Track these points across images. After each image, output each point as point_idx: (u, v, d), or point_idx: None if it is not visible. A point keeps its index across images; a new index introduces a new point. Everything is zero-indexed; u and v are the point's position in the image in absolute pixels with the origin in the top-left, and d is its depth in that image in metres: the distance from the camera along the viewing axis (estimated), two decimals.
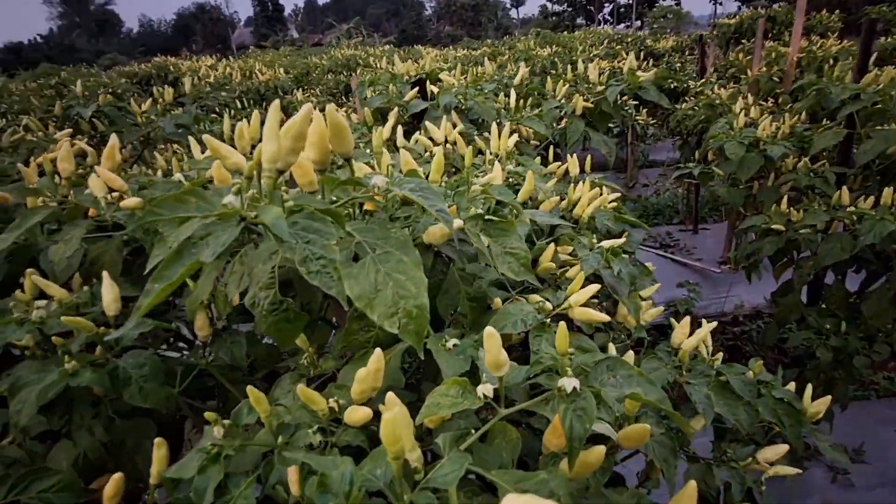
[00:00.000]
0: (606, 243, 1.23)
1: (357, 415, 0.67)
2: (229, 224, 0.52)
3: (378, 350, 0.69)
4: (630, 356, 1.03)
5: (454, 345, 0.80)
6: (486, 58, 4.84)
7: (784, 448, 1.14)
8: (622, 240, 1.25)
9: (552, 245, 1.16)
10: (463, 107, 1.79)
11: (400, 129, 1.55)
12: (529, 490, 0.52)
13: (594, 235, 1.33)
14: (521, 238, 0.90)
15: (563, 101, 2.16)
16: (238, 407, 0.72)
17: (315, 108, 0.61)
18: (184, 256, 0.50)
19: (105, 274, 0.88)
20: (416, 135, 1.51)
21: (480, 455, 0.64)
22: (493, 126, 1.42)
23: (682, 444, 1.10)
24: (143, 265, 0.56)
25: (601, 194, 1.69)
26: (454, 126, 1.72)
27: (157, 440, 0.68)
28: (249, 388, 0.65)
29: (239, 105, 4.68)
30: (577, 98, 2.13)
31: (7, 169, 1.55)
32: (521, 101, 2.10)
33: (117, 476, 0.64)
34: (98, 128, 2.10)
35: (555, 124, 2.25)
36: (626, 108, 2.30)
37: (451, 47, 11.16)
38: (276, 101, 0.56)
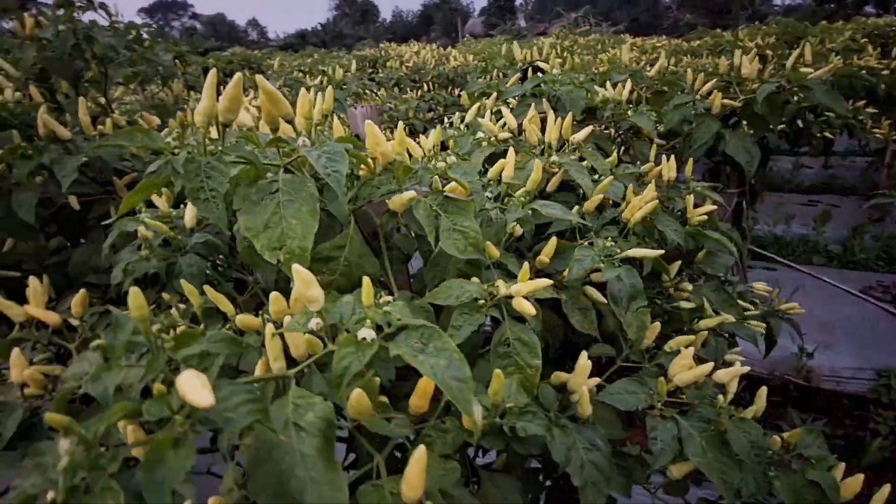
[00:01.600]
0: (637, 252, 1.13)
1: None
2: (163, 158, 0.71)
3: None
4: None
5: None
6: (662, 49, 4.36)
7: None
8: (654, 252, 1.12)
9: (554, 239, 1.12)
10: (553, 95, 1.74)
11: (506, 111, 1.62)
12: None
13: (623, 240, 1.22)
14: (474, 219, 0.92)
15: (698, 96, 1.90)
16: None
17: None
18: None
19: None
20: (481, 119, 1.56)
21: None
22: (549, 115, 1.38)
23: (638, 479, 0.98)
24: None
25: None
26: (543, 113, 1.70)
27: None
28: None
29: (426, 87, 5.17)
30: (716, 94, 1.86)
31: None
32: (637, 94, 1.92)
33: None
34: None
35: (686, 124, 2.01)
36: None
37: (675, 38, 10.16)
38: (214, 70, 0.73)
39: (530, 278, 1.17)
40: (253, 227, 0.72)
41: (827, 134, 3.79)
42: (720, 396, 1.03)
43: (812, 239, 6.41)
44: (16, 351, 0.78)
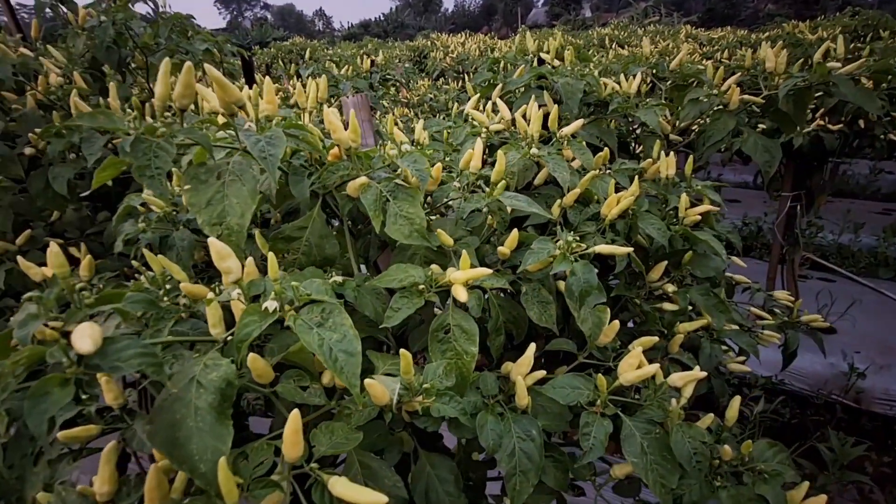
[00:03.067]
0: (605, 248, 1.12)
1: None
2: (126, 138, 0.79)
3: None
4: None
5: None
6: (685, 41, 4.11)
7: None
8: (623, 249, 1.10)
9: (516, 231, 1.12)
10: (547, 86, 1.72)
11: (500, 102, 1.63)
12: None
13: (600, 236, 1.20)
14: (420, 207, 0.95)
15: (715, 90, 1.81)
16: None
17: None
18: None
19: None
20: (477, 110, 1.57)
21: None
22: (528, 107, 1.38)
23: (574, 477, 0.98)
24: None
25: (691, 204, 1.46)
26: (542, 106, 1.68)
27: None
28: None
29: (468, 78, 5.17)
30: (733, 89, 1.76)
31: None
32: (645, 88, 1.86)
33: None
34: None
35: (701, 119, 1.92)
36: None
37: (742, 31, 9.55)
38: (167, 59, 0.80)
39: (497, 270, 1.19)
40: (196, 203, 0.79)
41: (893, 136, 3.48)
42: (673, 400, 1.00)
43: (881, 251, 5.90)
44: None
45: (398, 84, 4.96)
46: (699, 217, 1.41)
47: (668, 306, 1.35)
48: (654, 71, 2.09)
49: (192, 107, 1.47)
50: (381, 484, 0.80)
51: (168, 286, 0.89)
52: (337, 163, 1.04)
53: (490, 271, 0.92)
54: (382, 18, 49.18)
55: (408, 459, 1.01)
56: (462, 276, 0.91)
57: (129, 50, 2.18)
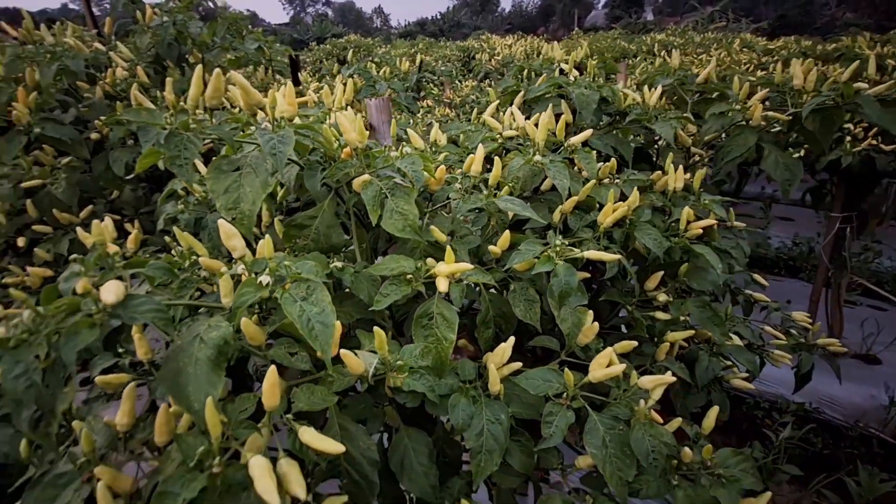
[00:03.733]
0: (594, 254, 1.18)
1: None
2: (160, 130, 0.94)
3: None
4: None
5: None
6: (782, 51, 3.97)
7: None
8: (612, 256, 1.16)
9: (507, 232, 1.20)
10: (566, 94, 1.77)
11: (515, 110, 1.71)
12: None
13: (594, 242, 1.27)
14: (414, 205, 1.05)
15: (738, 106, 1.81)
16: None
17: None
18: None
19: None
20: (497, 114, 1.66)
21: None
22: (538, 116, 1.44)
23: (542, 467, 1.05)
24: None
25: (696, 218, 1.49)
26: (559, 115, 1.75)
27: None
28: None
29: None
30: (756, 105, 1.76)
31: None
32: (662, 101, 1.87)
33: None
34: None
35: (723, 134, 1.92)
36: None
37: (806, 41, 9.09)
38: (199, 67, 0.93)
39: (490, 268, 1.28)
40: (216, 189, 0.93)
41: None
42: (641, 401, 1.06)
43: None
44: None
45: (442, 84, 5.08)
46: (700, 231, 1.44)
47: (660, 315, 1.39)
48: (682, 83, 2.09)
49: (229, 104, 1.63)
50: (355, 445, 0.91)
51: (192, 259, 1.03)
52: (347, 160, 1.16)
53: (471, 266, 1.01)
54: (439, 17, 49.62)
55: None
56: (445, 269, 1.00)
57: (188, 47, 2.40)
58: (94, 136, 1.92)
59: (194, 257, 1.04)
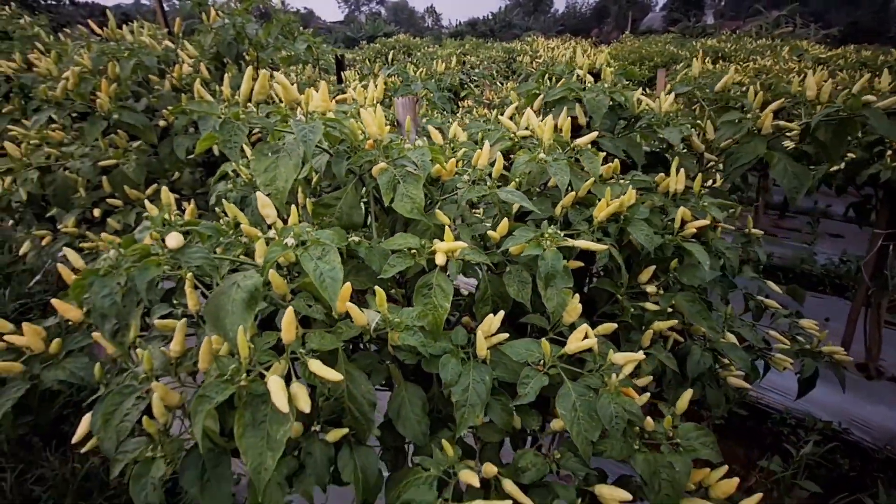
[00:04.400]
0: (583, 243, 1.32)
1: None
2: (216, 119, 1.15)
3: None
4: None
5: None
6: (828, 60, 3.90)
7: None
8: (600, 246, 1.30)
9: (505, 220, 1.35)
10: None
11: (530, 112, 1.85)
12: None
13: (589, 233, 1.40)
14: (421, 190, 1.22)
15: (748, 114, 1.87)
16: None
17: None
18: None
19: None
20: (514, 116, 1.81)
21: None
22: (549, 118, 1.58)
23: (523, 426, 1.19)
24: None
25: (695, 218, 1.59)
26: (574, 118, 1.88)
27: None
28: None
29: None
30: (766, 114, 1.82)
31: None
32: (682, 106, 1.96)
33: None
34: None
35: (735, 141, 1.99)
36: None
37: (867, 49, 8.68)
38: (250, 68, 1.14)
39: (489, 251, 1.43)
40: (257, 169, 1.13)
41: None
42: (613, 375, 1.19)
43: None
44: None
45: (483, 85, 5.23)
46: (695, 230, 1.54)
47: (650, 306, 1.50)
48: (701, 92, 2.16)
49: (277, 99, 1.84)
50: (357, 387, 1.09)
51: (236, 227, 1.25)
52: (369, 151, 1.34)
53: (465, 245, 1.17)
54: (490, 17, 49.66)
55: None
56: (444, 246, 1.17)
57: (245, 46, 2.66)
58: (161, 123, 2.20)
59: (238, 226, 1.26)
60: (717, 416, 4.07)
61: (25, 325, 1.19)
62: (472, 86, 5.53)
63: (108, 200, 2.20)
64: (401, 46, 10.44)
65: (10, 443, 3.43)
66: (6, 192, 2.18)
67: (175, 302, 1.39)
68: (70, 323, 1.26)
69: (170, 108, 2.16)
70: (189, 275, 1.10)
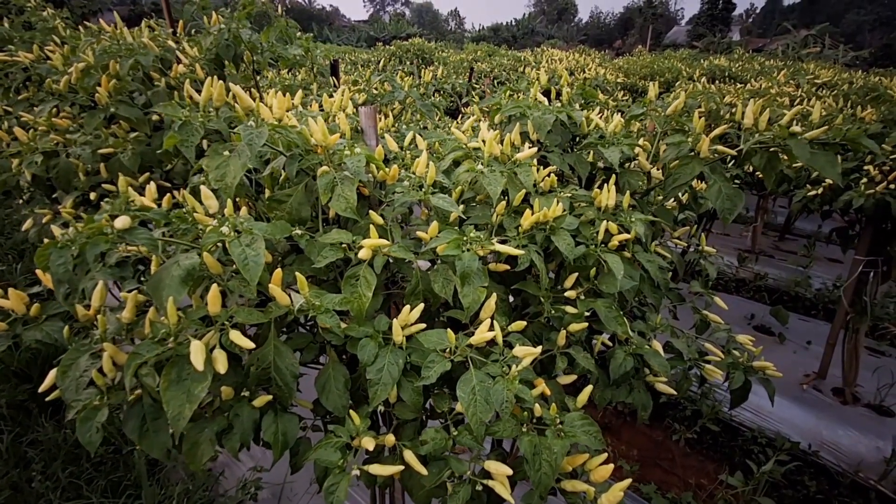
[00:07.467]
0: (500, 247, 1.47)
1: None
2: (177, 121, 1.33)
3: None
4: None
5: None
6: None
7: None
8: (516, 251, 1.45)
9: (435, 223, 1.51)
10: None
11: (483, 126, 2.01)
12: None
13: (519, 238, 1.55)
14: (355, 192, 1.38)
15: (690, 138, 2.01)
16: None
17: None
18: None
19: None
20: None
21: None
22: (489, 132, 1.73)
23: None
24: None
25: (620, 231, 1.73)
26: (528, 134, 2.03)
27: None
28: None
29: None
30: (704, 139, 1.96)
31: None
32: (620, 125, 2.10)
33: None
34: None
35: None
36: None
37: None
38: (213, 77, 1.31)
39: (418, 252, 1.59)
40: (210, 165, 1.31)
41: None
42: (513, 366, 1.34)
43: None
44: None
45: (482, 94, 5.39)
46: (618, 243, 1.68)
47: (570, 309, 1.65)
48: (655, 115, 2.30)
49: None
50: (283, 360, 1.26)
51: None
52: (318, 154, 1.51)
53: (388, 242, 1.34)
54: (513, 24, 49.82)
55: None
56: (368, 242, 1.33)
57: (242, 49, 2.86)
58: (155, 117, 2.40)
59: (195, 213, 1.43)
60: (688, 432, 4.18)
61: (11, 291, 1.39)
62: (474, 93, 5.69)
63: (104, 185, 2.41)
64: (416, 50, 10.62)
65: (9, 407, 3.69)
66: (17, 173, 2.39)
67: (143, 280, 1.58)
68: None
69: (163, 104, 2.36)
70: (154, 257, 1.29)
